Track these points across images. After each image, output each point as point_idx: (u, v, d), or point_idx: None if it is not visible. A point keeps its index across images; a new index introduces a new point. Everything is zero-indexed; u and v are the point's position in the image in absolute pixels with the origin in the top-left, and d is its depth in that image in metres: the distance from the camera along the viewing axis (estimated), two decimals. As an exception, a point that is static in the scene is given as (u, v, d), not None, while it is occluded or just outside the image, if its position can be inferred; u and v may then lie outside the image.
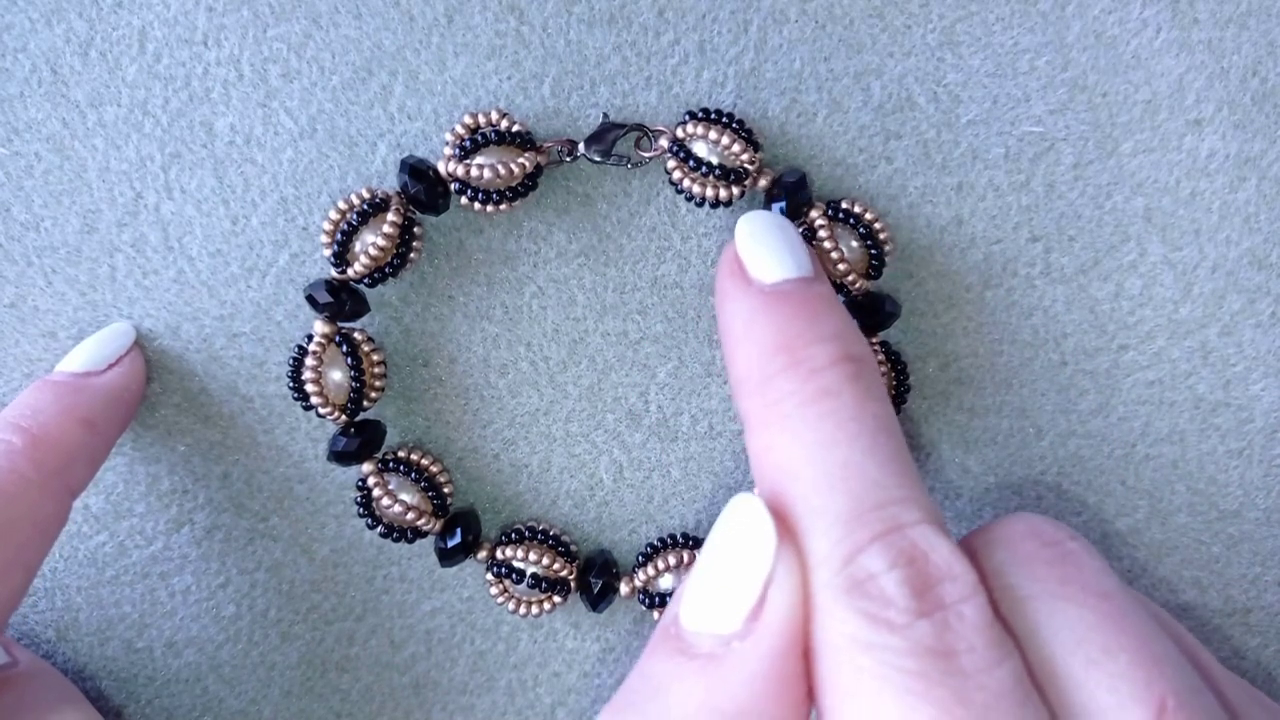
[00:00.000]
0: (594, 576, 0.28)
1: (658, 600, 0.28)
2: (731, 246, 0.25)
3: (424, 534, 0.28)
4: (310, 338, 0.26)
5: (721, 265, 0.25)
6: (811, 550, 0.21)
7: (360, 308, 0.27)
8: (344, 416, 0.27)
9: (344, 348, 0.26)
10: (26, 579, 0.25)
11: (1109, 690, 0.20)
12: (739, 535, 0.21)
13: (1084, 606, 0.21)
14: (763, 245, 0.25)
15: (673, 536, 0.29)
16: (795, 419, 0.22)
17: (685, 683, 0.21)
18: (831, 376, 0.22)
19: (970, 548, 0.23)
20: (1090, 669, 0.20)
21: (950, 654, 0.19)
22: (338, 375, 0.27)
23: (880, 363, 0.27)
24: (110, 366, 0.27)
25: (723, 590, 0.21)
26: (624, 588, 0.28)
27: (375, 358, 0.27)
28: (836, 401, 0.22)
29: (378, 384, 0.27)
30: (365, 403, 0.27)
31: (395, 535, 0.27)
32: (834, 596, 0.20)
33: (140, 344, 0.28)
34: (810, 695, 0.21)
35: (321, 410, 0.26)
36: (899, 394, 0.27)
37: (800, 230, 0.27)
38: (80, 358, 0.27)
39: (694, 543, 0.28)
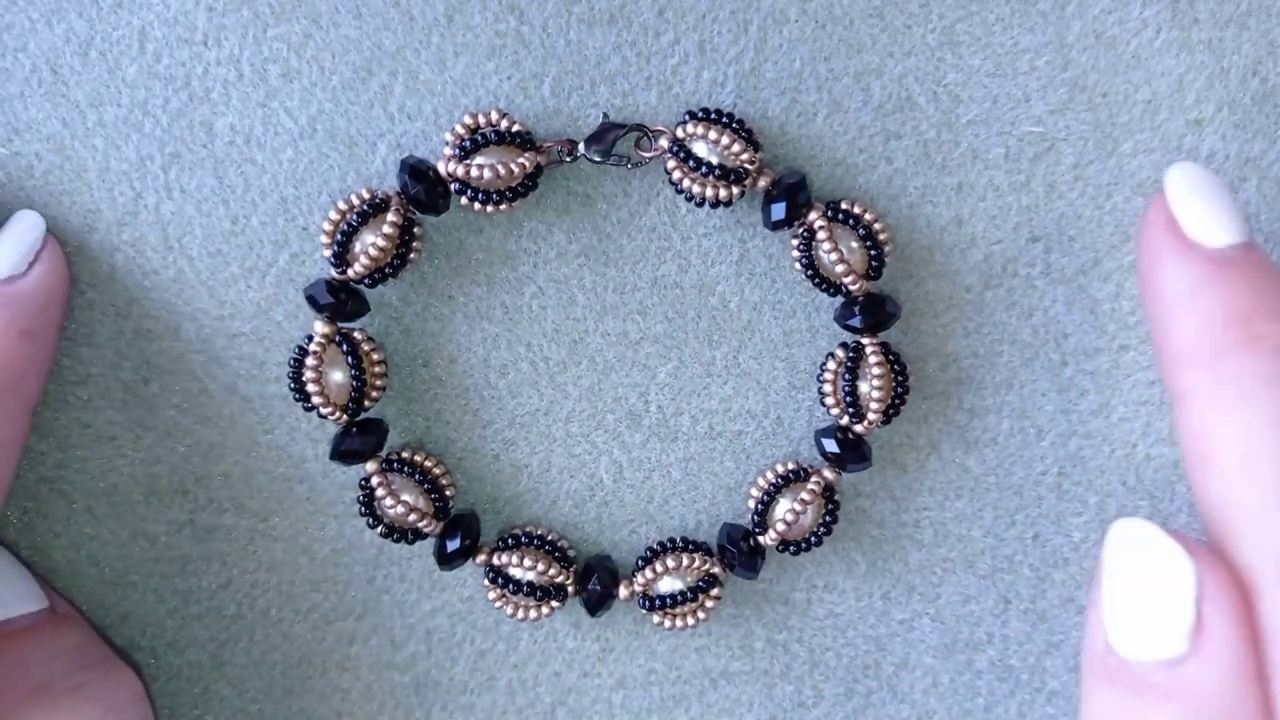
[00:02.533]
0: (592, 583, 0.28)
1: (657, 603, 0.28)
2: (1163, 200, 0.24)
3: (424, 535, 0.28)
4: (310, 338, 0.26)
5: (1152, 221, 0.24)
6: (1273, 538, 0.20)
7: (360, 308, 0.27)
8: (345, 416, 0.27)
9: (344, 347, 0.26)
10: None
11: None
12: (1146, 560, 0.21)
13: None
14: (1205, 205, 0.24)
15: (672, 540, 0.29)
16: (1258, 398, 0.21)
17: (1154, 712, 0.21)
18: None
19: None
20: None
21: None
22: (338, 375, 0.27)
23: (879, 364, 0.27)
24: (31, 265, 0.26)
25: (1152, 615, 0.21)
26: (623, 591, 0.28)
27: (375, 357, 0.27)
28: None
29: (378, 384, 0.27)
30: (366, 402, 0.27)
31: (396, 536, 0.27)
32: None
33: (53, 233, 0.27)
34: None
35: (323, 410, 0.26)
36: (899, 394, 0.27)
37: (799, 231, 0.27)
38: None
39: (693, 546, 0.28)
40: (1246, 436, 0.21)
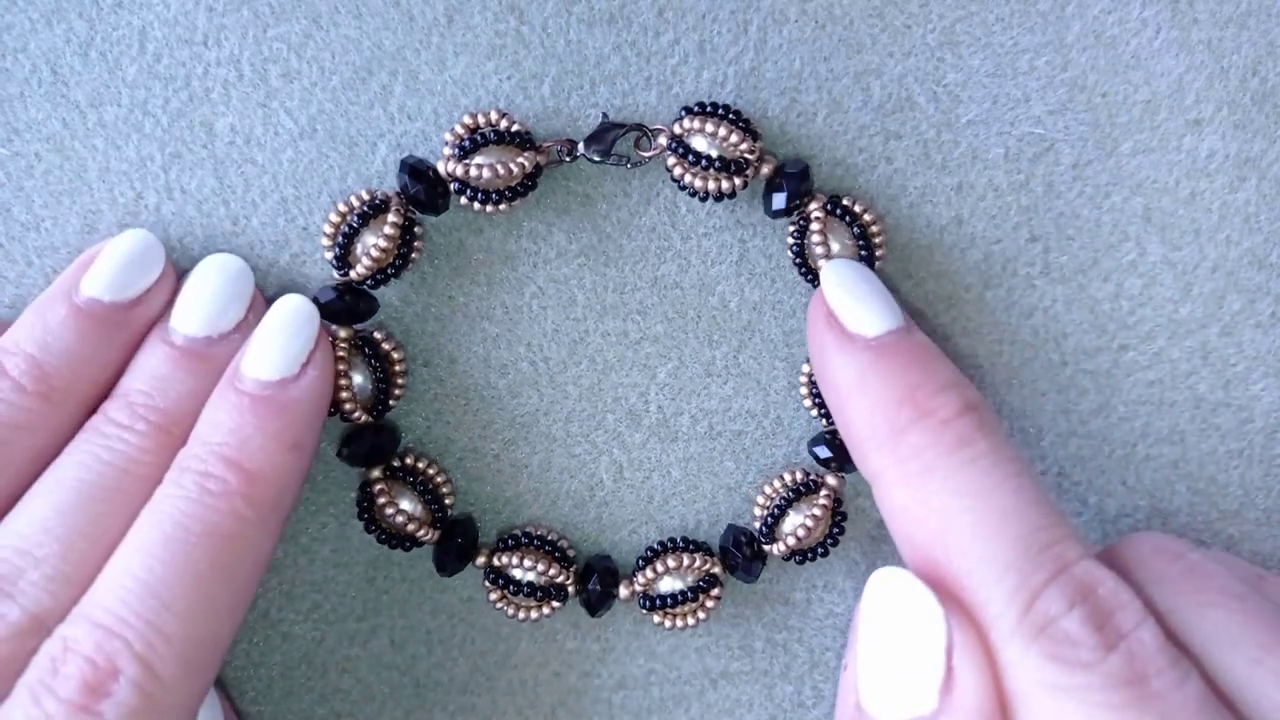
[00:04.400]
0: (592, 583, 0.28)
1: (657, 603, 0.28)
2: (820, 299, 0.25)
3: (421, 543, 0.28)
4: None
5: (814, 319, 0.25)
6: (986, 601, 0.21)
7: (370, 306, 0.27)
8: (369, 418, 0.27)
9: (366, 350, 0.27)
10: (240, 617, 0.24)
11: (1277, 684, 0.20)
12: (900, 611, 0.21)
13: (1228, 610, 0.21)
14: (858, 298, 0.25)
15: (672, 540, 0.29)
16: (939, 471, 0.22)
17: None
18: (964, 425, 0.23)
19: None
20: (1254, 667, 0.21)
21: (1143, 679, 0.20)
22: (358, 379, 0.27)
23: None
24: (305, 368, 0.25)
25: (904, 671, 0.21)
26: (623, 591, 0.28)
27: (396, 355, 0.27)
28: (975, 449, 0.22)
29: (400, 381, 0.27)
30: (391, 401, 0.27)
31: (393, 543, 0.27)
32: (1022, 645, 0.20)
33: (325, 327, 0.26)
34: None
35: (354, 415, 0.26)
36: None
37: (797, 220, 0.27)
38: (273, 358, 0.25)
39: (693, 546, 0.28)
40: (941, 508, 0.22)
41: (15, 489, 0.24)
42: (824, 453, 0.27)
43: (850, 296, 0.25)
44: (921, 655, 0.20)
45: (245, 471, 0.23)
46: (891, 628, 0.21)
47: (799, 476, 0.28)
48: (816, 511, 0.27)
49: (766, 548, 0.28)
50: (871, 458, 0.23)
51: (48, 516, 0.23)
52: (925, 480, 0.22)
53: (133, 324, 0.25)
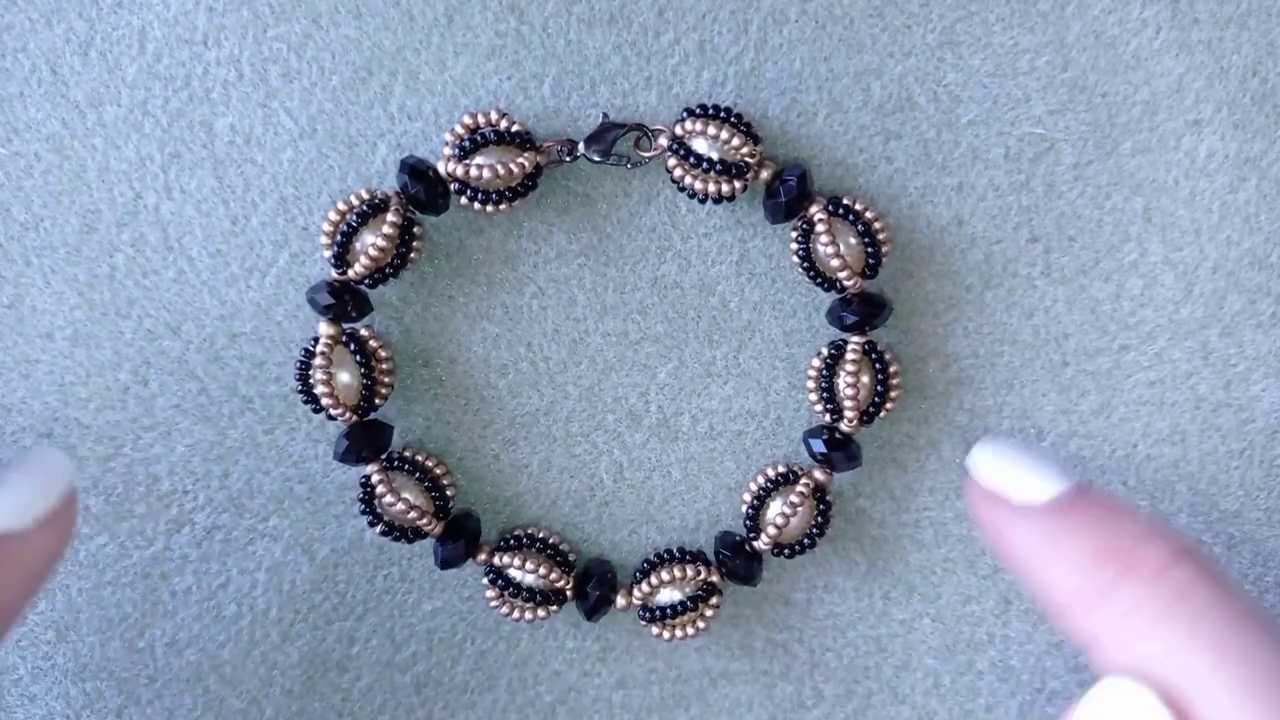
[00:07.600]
0: (591, 588, 0.28)
1: (657, 614, 0.28)
2: (975, 485, 0.25)
3: (424, 535, 0.27)
4: (316, 340, 0.26)
5: (975, 502, 0.25)
6: None
7: (364, 307, 0.27)
8: (355, 417, 0.27)
9: (352, 347, 0.26)
10: None
11: None
12: None
13: None
14: (1019, 466, 0.25)
15: (669, 551, 0.29)
16: (1167, 626, 0.21)
17: None
18: (1181, 574, 0.21)
19: None
20: None
21: None
22: (345, 376, 0.27)
23: (855, 361, 0.27)
24: (37, 521, 0.23)
25: None
26: (621, 600, 0.28)
27: (383, 354, 0.27)
28: (1201, 600, 0.21)
29: (386, 380, 0.27)
30: (377, 400, 0.27)
31: (396, 535, 0.27)
32: None
33: (74, 489, 0.24)
34: None
35: (333, 412, 0.26)
36: (883, 394, 0.27)
37: (799, 224, 0.27)
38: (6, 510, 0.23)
39: (693, 557, 0.28)
40: (1180, 667, 0.20)
41: None
42: (819, 446, 0.27)
43: (1010, 465, 0.25)
44: None
45: None
46: None
47: (781, 469, 0.28)
48: (794, 499, 0.27)
49: (753, 541, 0.28)
50: (1084, 620, 0.22)
51: None
52: (1153, 639, 0.21)
53: None
